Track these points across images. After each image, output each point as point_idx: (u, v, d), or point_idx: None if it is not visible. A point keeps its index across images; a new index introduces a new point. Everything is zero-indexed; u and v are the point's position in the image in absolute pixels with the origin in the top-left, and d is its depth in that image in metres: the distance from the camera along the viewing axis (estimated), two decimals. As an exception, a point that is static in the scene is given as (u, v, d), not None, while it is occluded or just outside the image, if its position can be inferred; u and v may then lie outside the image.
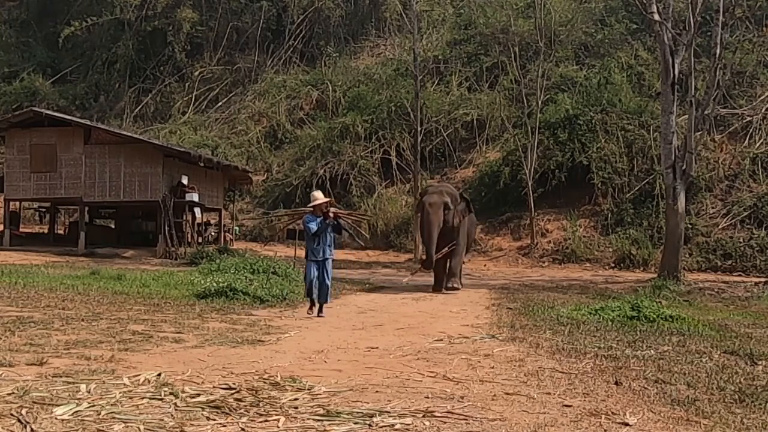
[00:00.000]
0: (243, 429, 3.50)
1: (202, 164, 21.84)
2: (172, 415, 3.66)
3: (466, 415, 3.80)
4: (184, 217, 22.25)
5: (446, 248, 12.45)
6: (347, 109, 28.60)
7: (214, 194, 23.47)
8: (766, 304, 12.30)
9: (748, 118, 23.68)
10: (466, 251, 14.38)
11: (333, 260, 8.90)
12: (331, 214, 8.52)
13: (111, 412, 3.64)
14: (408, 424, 3.60)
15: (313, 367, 5.18)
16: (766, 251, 20.27)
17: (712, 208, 22.30)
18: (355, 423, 3.60)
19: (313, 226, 8.58)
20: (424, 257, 12.78)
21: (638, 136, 23.71)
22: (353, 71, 31.64)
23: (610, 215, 22.73)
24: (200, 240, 23.27)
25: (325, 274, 8.59)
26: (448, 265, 12.94)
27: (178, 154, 21.18)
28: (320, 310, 8.58)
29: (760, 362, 5.80)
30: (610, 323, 7.99)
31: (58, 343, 5.76)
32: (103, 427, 3.43)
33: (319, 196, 8.89)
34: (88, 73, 35.59)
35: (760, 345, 6.80)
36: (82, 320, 7.08)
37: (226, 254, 17.52)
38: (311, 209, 8.82)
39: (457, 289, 12.62)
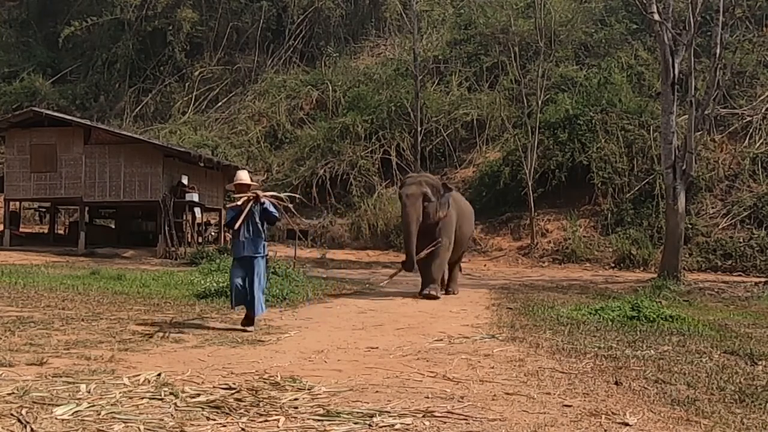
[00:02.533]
0: (243, 429, 3.50)
1: (202, 164, 21.84)
2: (172, 415, 3.66)
3: (466, 415, 3.81)
4: (184, 217, 22.25)
5: (428, 247, 10.96)
6: (347, 109, 28.60)
7: (214, 194, 23.47)
8: (766, 304, 12.30)
9: (748, 118, 23.69)
10: (458, 250, 12.29)
11: (267, 259, 7.39)
12: (262, 197, 7.03)
13: (111, 412, 3.65)
14: (408, 424, 3.60)
15: (313, 367, 5.18)
16: (766, 251, 20.26)
17: (712, 208, 22.30)
18: (355, 423, 3.60)
19: (230, 214, 7.19)
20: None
21: (638, 136, 23.72)
22: (353, 71, 31.65)
23: (610, 215, 22.73)
24: (200, 240, 23.27)
25: (255, 278, 7.03)
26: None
27: (178, 154, 21.18)
28: (249, 322, 6.99)
29: (760, 362, 5.80)
30: (610, 323, 7.99)
31: (58, 343, 5.76)
32: (103, 427, 3.43)
33: (244, 177, 7.44)
34: (88, 73, 35.59)
35: (760, 345, 6.80)
36: (82, 320, 7.08)
37: (226, 254, 17.51)
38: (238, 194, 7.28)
39: (435, 297, 10.79)
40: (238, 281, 7.07)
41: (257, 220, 7.05)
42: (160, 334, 6.35)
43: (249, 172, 7.65)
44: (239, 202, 7.02)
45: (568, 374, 5.02)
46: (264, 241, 7.19)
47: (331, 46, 33.57)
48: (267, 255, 7.33)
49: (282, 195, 7.63)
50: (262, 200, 7.03)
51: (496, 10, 29.06)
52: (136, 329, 6.67)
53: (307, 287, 9.97)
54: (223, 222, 24.56)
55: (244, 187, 7.29)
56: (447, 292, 11.84)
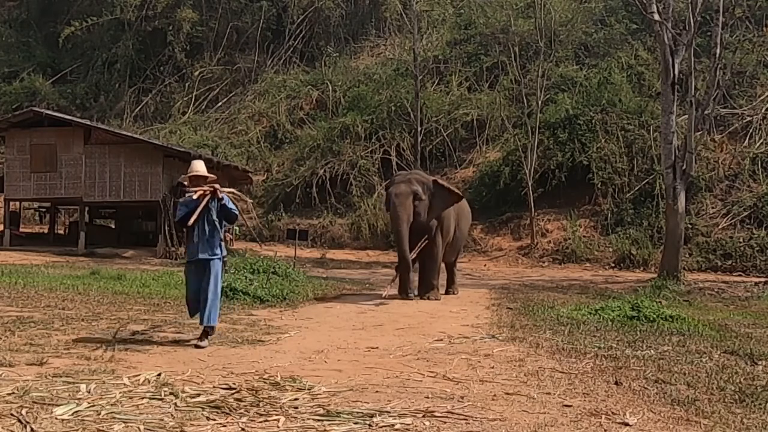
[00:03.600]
0: (243, 429, 3.50)
1: (202, 164, 21.83)
2: (172, 415, 3.66)
3: (466, 415, 3.81)
4: (184, 217, 22.22)
5: (420, 245, 10.56)
6: (347, 109, 28.60)
7: (214, 194, 23.44)
8: (766, 304, 12.30)
9: (748, 118, 23.70)
10: (457, 249, 12.08)
11: (225, 262, 6.49)
12: (219, 192, 6.18)
13: (111, 412, 3.65)
14: (408, 424, 3.60)
15: (313, 367, 5.18)
16: (766, 251, 20.26)
17: (712, 208, 22.30)
18: (355, 423, 3.60)
19: (183, 210, 6.24)
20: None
21: (638, 136, 23.72)
22: (353, 71, 31.64)
23: (610, 215, 22.73)
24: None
25: (210, 283, 6.11)
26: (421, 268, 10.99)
27: (178, 154, 21.17)
28: (203, 335, 6.07)
29: (760, 362, 5.80)
30: (610, 323, 7.99)
31: (58, 343, 5.76)
32: (103, 427, 3.43)
33: (200, 168, 6.46)
34: (88, 73, 35.58)
35: (760, 345, 6.80)
36: (82, 320, 7.08)
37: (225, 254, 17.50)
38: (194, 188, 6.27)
39: (437, 299, 10.66)
40: (194, 288, 6.24)
41: (214, 217, 6.23)
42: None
43: (205, 162, 6.75)
44: (194, 196, 6.14)
45: (568, 374, 5.02)
46: (221, 242, 6.38)
47: (331, 46, 33.57)
48: (225, 257, 6.45)
49: (242, 194, 6.87)
50: (221, 195, 6.19)
51: (496, 10, 29.05)
52: (136, 329, 6.67)
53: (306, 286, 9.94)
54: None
55: (199, 180, 6.35)
56: (447, 293, 11.66)
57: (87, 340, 5.97)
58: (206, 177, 6.40)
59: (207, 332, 6.10)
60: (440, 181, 11.09)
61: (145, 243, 22.17)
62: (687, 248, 19.56)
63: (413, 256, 10.54)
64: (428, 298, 10.61)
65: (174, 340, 6.19)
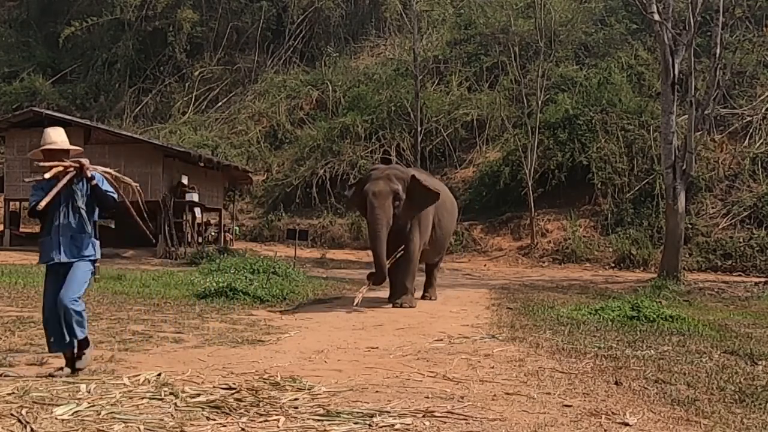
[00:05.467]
0: (243, 429, 3.50)
1: (202, 164, 21.84)
2: (172, 415, 3.66)
3: (466, 415, 3.81)
4: (184, 217, 22.24)
5: (398, 251, 9.20)
6: (347, 109, 28.60)
7: (214, 194, 23.47)
8: (766, 304, 12.30)
9: (748, 118, 23.69)
10: (439, 250, 10.53)
11: (93, 263, 4.81)
12: (88, 168, 4.65)
13: (111, 412, 3.65)
14: (408, 424, 3.60)
15: (313, 367, 5.18)
16: (766, 251, 20.26)
17: (712, 208, 22.30)
18: (355, 423, 3.60)
19: (38, 195, 4.54)
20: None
21: (638, 136, 23.72)
22: (353, 71, 31.65)
23: (610, 215, 22.73)
24: (200, 240, 23.27)
25: (68, 291, 4.50)
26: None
27: (178, 154, 21.18)
28: (69, 362, 4.61)
29: (760, 362, 5.80)
30: (610, 323, 7.99)
31: (58, 343, 5.74)
32: (103, 427, 3.43)
33: (55, 137, 4.85)
34: (88, 73, 35.57)
35: (760, 345, 6.80)
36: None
37: (226, 254, 17.52)
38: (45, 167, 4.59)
39: (411, 306, 9.31)
40: (51, 305, 4.55)
41: (79, 204, 4.63)
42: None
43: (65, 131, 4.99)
44: (47, 175, 4.52)
45: (568, 374, 5.02)
46: (92, 239, 4.74)
47: (331, 46, 33.56)
48: (95, 258, 4.79)
49: (126, 179, 5.22)
50: (90, 173, 4.66)
51: (496, 10, 29.04)
52: (136, 329, 6.67)
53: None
54: (223, 222, 24.58)
55: (57, 154, 4.73)
56: (423, 297, 10.34)
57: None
58: (67, 150, 4.81)
59: (72, 360, 4.60)
60: (418, 176, 9.57)
61: (145, 243, 22.16)
62: (687, 248, 19.56)
63: (388, 265, 9.14)
64: (400, 305, 9.22)
65: (174, 340, 6.19)
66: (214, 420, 3.61)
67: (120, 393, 4.02)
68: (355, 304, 8.99)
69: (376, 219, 8.96)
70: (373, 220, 9.06)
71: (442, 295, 11.11)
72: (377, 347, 6.13)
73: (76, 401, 3.83)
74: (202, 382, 4.45)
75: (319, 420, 3.64)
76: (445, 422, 3.68)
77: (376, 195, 9.02)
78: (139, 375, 4.52)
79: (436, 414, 3.80)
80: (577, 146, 23.45)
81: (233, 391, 4.15)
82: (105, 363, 5.00)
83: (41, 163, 4.69)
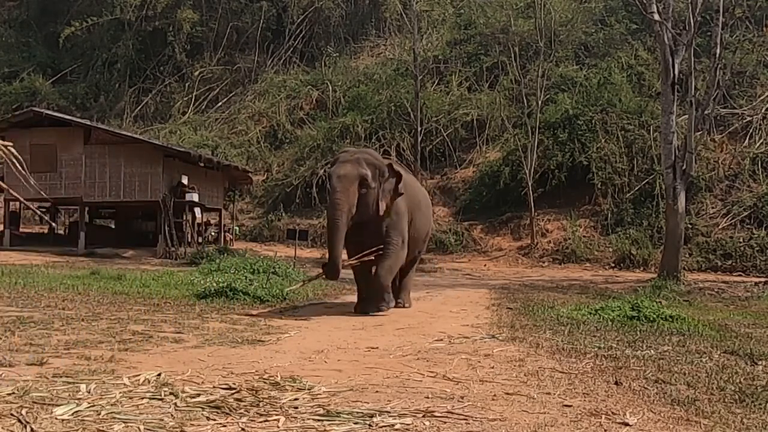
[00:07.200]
0: (243, 429, 3.50)
1: (202, 164, 21.86)
2: (172, 415, 3.65)
3: (466, 415, 3.80)
4: (184, 217, 22.26)
5: (367, 253, 8.16)
6: (347, 109, 28.61)
7: (214, 194, 23.47)
8: (766, 304, 12.30)
9: (748, 118, 23.70)
10: (411, 252, 9.09)
11: None
12: None
13: (111, 412, 3.64)
14: (408, 424, 3.60)
15: (313, 367, 5.17)
16: (766, 251, 20.27)
17: (712, 208, 22.31)
18: (355, 423, 3.60)
19: None
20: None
21: (638, 136, 23.73)
22: (353, 71, 31.66)
23: (610, 215, 22.74)
24: (200, 240, 23.28)
25: None
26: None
27: (178, 154, 21.19)
28: None
29: (760, 362, 5.80)
30: (610, 323, 7.98)
31: (58, 343, 5.75)
32: (103, 427, 3.42)
33: None
34: (88, 73, 35.60)
35: (760, 345, 6.80)
36: (82, 320, 7.07)
37: (226, 254, 17.53)
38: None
39: (383, 310, 8.44)
40: None
41: None
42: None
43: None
44: None
45: (568, 374, 5.01)
46: None
47: (331, 46, 33.58)
48: None
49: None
50: None
51: (496, 10, 29.08)
52: (136, 329, 6.67)
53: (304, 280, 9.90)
54: (223, 222, 24.57)
55: None
56: (396, 305, 9.13)
57: (87, 340, 5.97)
58: None
59: None
60: (396, 166, 8.61)
61: (145, 243, 22.19)
62: (687, 248, 19.56)
63: (353, 263, 8.34)
64: (370, 313, 8.26)
65: (174, 340, 6.18)
66: (214, 420, 3.61)
67: (120, 393, 4.02)
68: (294, 288, 9.04)
69: (335, 204, 7.97)
70: (331, 205, 8.13)
71: (441, 295, 11.12)
72: (377, 347, 6.12)
73: (76, 401, 3.82)
74: (202, 382, 4.44)
75: (319, 420, 3.63)
76: (445, 422, 3.67)
77: (340, 178, 8.03)
78: (139, 375, 4.51)
79: (436, 414, 3.79)
80: (577, 146, 23.46)
81: (233, 391, 4.15)
82: (105, 363, 5.00)
83: None
